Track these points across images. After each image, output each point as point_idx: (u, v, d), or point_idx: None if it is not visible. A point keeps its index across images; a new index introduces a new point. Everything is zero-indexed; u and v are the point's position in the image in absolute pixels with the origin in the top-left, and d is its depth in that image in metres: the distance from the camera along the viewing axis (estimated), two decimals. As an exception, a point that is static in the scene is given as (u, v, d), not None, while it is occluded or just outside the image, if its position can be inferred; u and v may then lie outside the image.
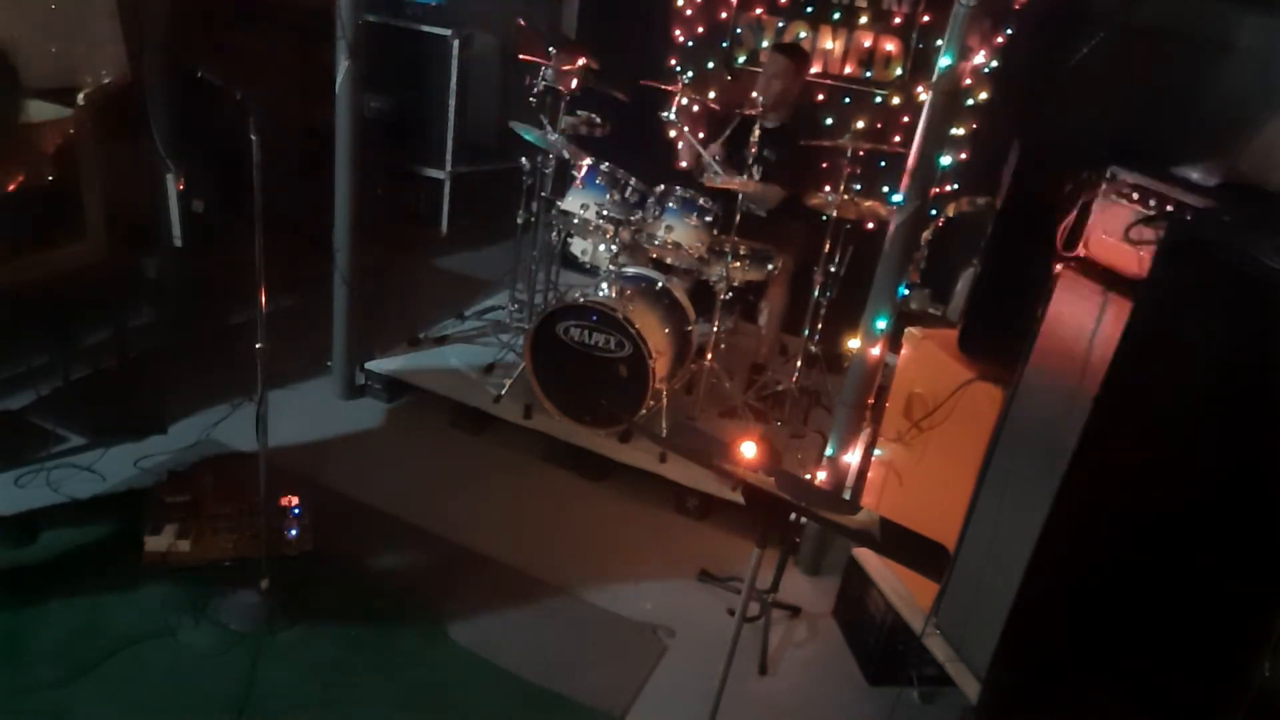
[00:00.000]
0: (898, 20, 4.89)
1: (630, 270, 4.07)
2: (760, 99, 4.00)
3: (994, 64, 4.59)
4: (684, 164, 4.42)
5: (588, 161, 3.89)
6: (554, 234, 4.21)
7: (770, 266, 4.02)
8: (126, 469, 3.36)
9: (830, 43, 5.04)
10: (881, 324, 3.04)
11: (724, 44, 5.29)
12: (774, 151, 4.05)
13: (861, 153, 3.90)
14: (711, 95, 5.04)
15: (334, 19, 3.50)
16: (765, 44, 5.18)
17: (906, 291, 3.18)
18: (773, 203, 4.09)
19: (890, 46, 4.96)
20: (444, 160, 6.01)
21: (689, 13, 5.28)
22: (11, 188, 2.58)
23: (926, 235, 3.90)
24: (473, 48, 5.88)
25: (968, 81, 4.41)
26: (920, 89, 4.65)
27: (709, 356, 3.98)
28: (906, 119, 4.89)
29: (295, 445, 3.53)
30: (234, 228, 2.63)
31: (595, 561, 3.33)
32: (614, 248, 3.81)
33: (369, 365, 4.14)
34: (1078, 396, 2.12)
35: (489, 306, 4.92)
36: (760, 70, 5.13)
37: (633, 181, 3.86)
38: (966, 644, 2.54)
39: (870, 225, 4.01)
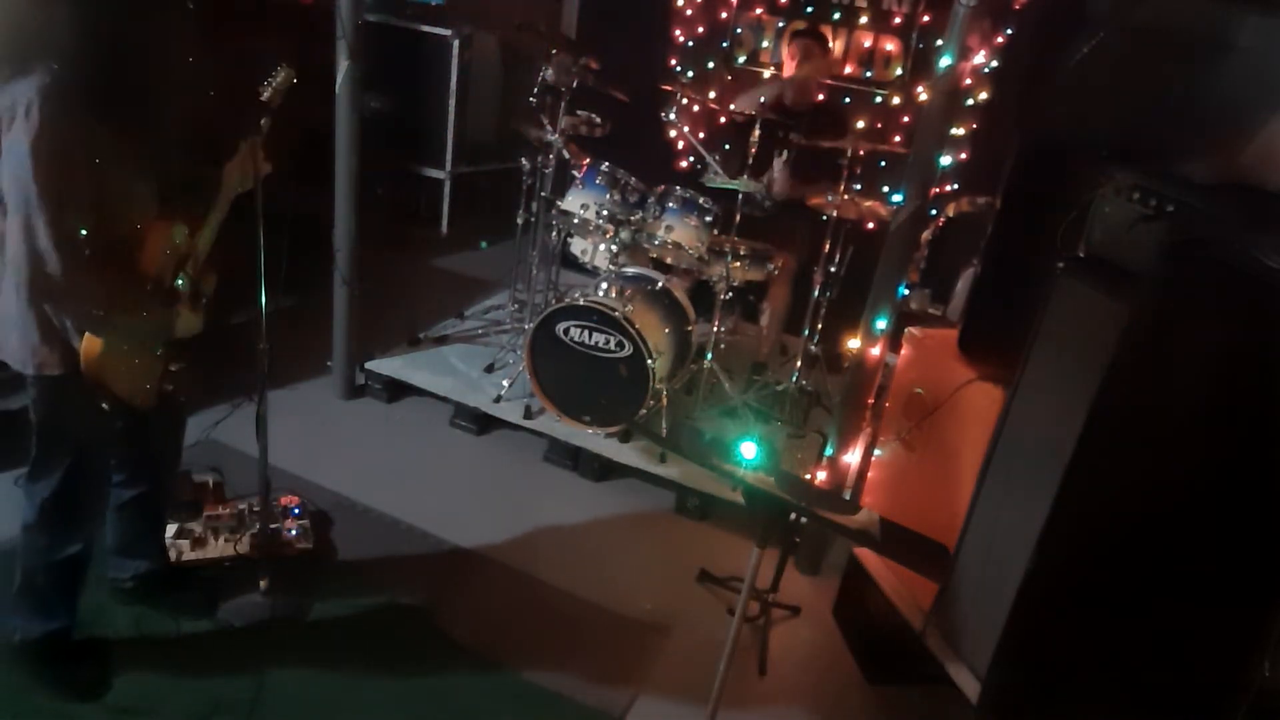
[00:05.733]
0: (898, 20, 4.90)
1: (630, 270, 4.06)
2: (788, 93, 3.98)
3: (994, 64, 4.59)
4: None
5: (588, 161, 3.89)
6: (554, 234, 4.21)
7: (770, 266, 4.02)
8: (126, 469, 3.36)
9: (830, 43, 5.04)
10: (881, 324, 3.04)
11: (724, 44, 5.30)
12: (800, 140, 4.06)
13: (861, 153, 3.89)
14: (712, 95, 5.04)
15: (334, 19, 3.50)
16: (765, 44, 5.19)
17: (906, 291, 3.18)
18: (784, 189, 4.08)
19: (890, 46, 4.96)
20: (444, 160, 6.01)
21: (689, 13, 5.28)
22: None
23: (926, 235, 3.91)
24: (473, 48, 5.88)
25: (968, 81, 4.41)
26: (920, 89, 4.65)
27: (709, 356, 3.98)
28: (906, 119, 4.89)
29: (295, 445, 3.52)
30: (234, 229, 2.63)
31: (595, 561, 3.33)
32: (614, 248, 3.81)
33: (369, 365, 4.14)
34: (1077, 396, 2.12)
35: (489, 306, 4.93)
36: (761, 69, 5.15)
37: (633, 181, 3.86)
38: (966, 644, 2.54)
39: (870, 225, 4.01)
